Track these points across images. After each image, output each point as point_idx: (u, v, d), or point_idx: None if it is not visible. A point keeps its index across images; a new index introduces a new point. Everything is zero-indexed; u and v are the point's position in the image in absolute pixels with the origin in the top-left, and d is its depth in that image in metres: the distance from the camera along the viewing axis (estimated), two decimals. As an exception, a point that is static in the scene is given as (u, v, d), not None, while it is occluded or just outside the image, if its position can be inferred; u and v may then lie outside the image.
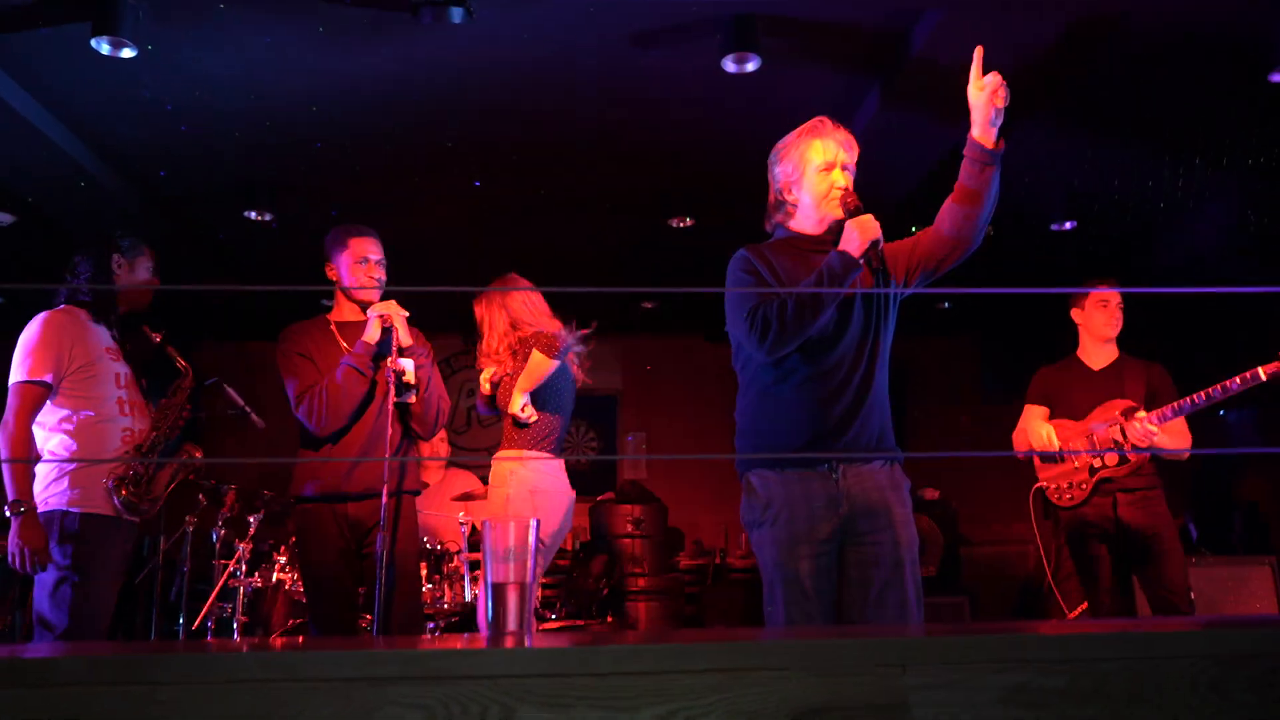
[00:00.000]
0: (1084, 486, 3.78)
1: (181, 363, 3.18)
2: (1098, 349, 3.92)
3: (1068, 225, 5.59)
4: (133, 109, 4.22)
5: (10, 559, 2.73)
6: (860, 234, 2.28)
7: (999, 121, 2.21)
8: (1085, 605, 3.91)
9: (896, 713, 1.07)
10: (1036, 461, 3.93)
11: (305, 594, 3.12)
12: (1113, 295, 3.85)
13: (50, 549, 2.77)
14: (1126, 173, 5.05)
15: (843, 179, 2.40)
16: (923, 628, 1.32)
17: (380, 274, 3.18)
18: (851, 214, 2.33)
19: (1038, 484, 3.95)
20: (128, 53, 3.51)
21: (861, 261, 2.29)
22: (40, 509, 2.81)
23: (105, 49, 3.46)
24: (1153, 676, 1.09)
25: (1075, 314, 3.97)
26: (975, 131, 2.23)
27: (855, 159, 2.45)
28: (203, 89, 4.06)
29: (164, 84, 4.01)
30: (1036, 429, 3.87)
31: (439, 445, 4.98)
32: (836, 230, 2.37)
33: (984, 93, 2.18)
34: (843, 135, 2.43)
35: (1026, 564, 6.29)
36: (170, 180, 5.01)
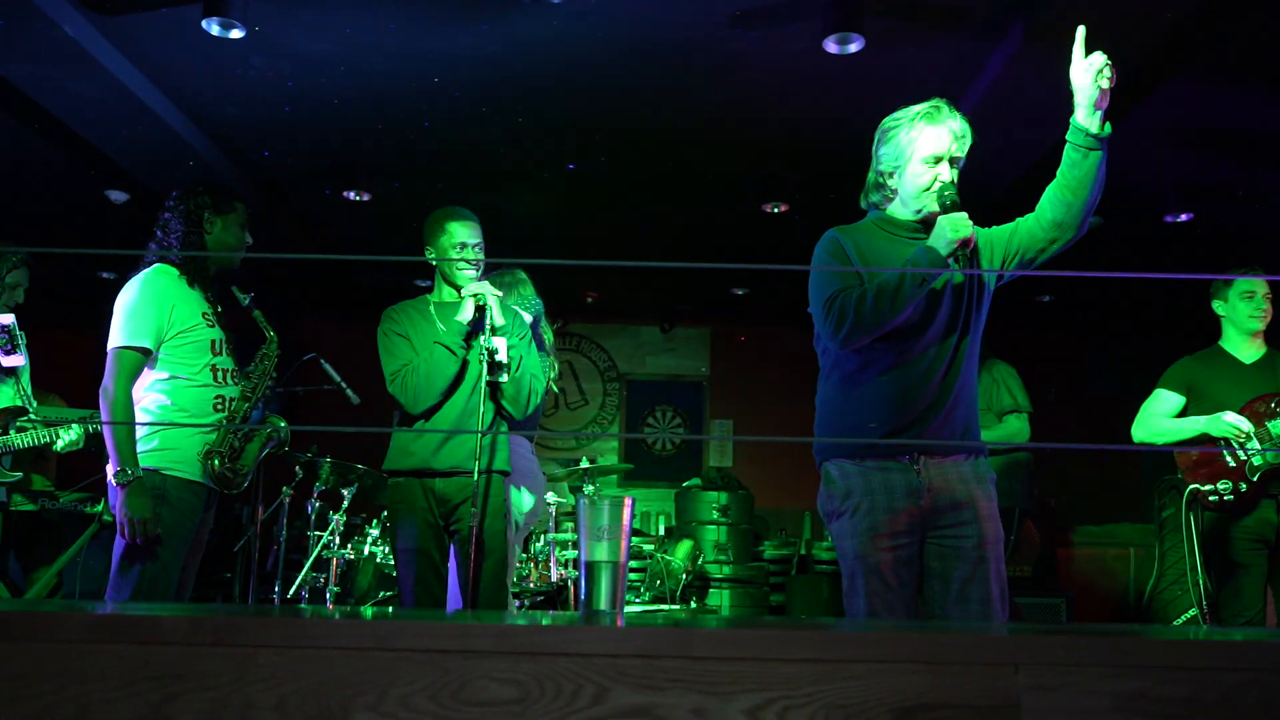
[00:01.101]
0: (1244, 488, 3.46)
1: (268, 330, 3.07)
2: (1245, 342, 3.64)
3: (1183, 217, 5.34)
4: (240, 89, 4.33)
5: (119, 529, 2.67)
6: (951, 232, 2.20)
7: (1105, 104, 2.11)
8: (1193, 612, 3.71)
9: (1006, 714, 1.02)
10: (1183, 459, 3.64)
11: (395, 567, 3.17)
12: (1259, 285, 3.57)
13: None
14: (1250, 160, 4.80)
15: (948, 174, 2.30)
16: (1037, 626, 1.26)
17: (473, 259, 3.20)
18: (946, 209, 2.24)
19: (1190, 484, 3.62)
20: (236, 34, 3.60)
21: (949, 261, 2.20)
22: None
23: (215, 30, 3.55)
24: (1287, 690, 1.02)
25: (1217, 305, 3.68)
26: (1079, 115, 2.14)
27: (967, 149, 2.34)
28: (306, 70, 4.14)
29: (269, 65, 4.11)
30: (1169, 424, 3.59)
31: None
32: (932, 221, 2.29)
33: (1087, 74, 2.08)
34: (958, 124, 2.31)
35: (1128, 567, 6.06)
36: (273, 160, 5.13)
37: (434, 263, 3.24)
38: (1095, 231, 5.51)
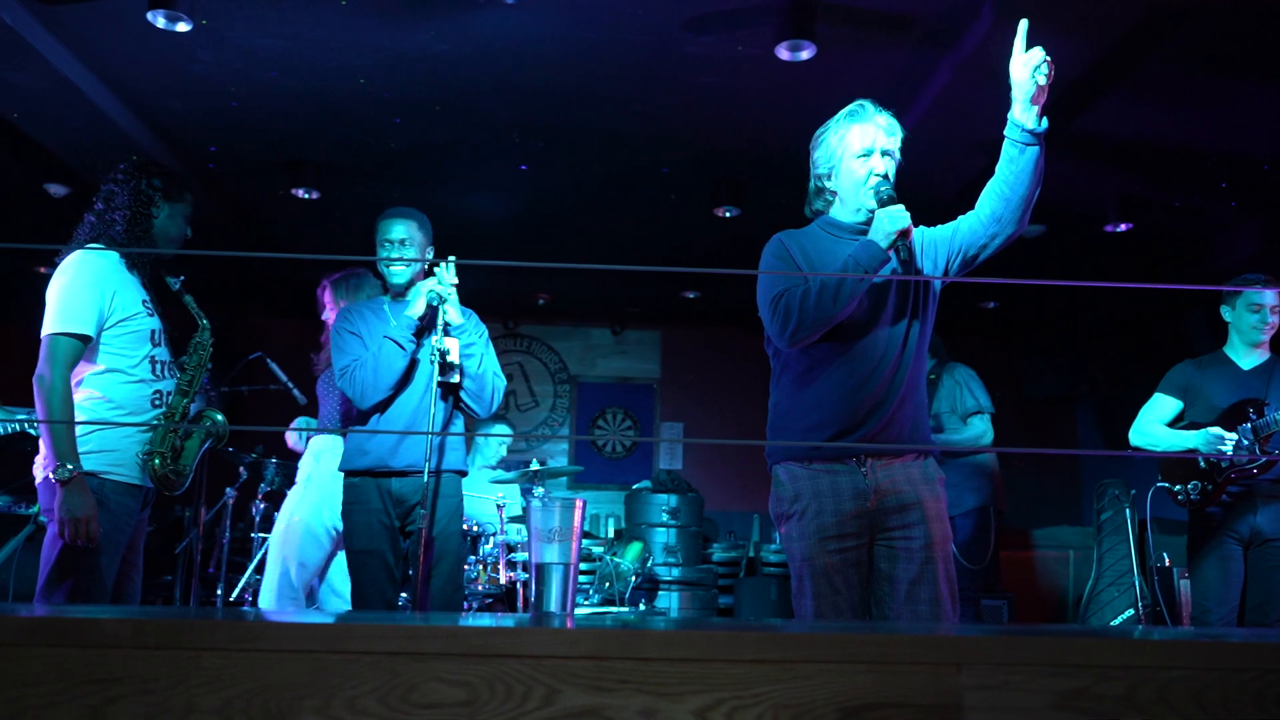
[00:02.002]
0: (1209, 488, 3.54)
1: (201, 318, 2.86)
2: (1247, 350, 3.67)
3: (1123, 226, 5.47)
4: (186, 83, 4.25)
5: (59, 529, 2.47)
6: (888, 224, 2.23)
7: (1041, 100, 2.14)
8: (1129, 612, 3.80)
9: (949, 713, 1.03)
10: (1167, 465, 3.69)
11: (348, 567, 3.14)
12: (1266, 300, 3.59)
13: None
14: (1188, 171, 4.93)
15: (881, 165, 2.33)
16: (979, 626, 1.28)
17: (408, 256, 3.18)
18: (883, 202, 2.27)
19: (1159, 483, 3.69)
20: (183, 26, 3.53)
21: (889, 253, 2.23)
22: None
23: (161, 22, 3.48)
24: (1219, 688, 1.05)
25: (1225, 311, 3.72)
26: (1016, 110, 2.16)
27: (898, 144, 2.38)
28: (254, 65, 4.08)
29: (216, 59, 4.04)
30: (1167, 435, 3.64)
31: None
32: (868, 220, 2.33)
33: (1025, 68, 2.11)
34: (884, 120, 2.36)
35: (1066, 568, 6.19)
36: (220, 156, 5.05)
37: (378, 262, 3.22)
38: (1037, 240, 5.64)
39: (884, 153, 2.34)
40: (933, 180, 4.64)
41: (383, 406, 3.13)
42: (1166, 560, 4.64)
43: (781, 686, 1.03)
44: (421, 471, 3.01)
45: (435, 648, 1.01)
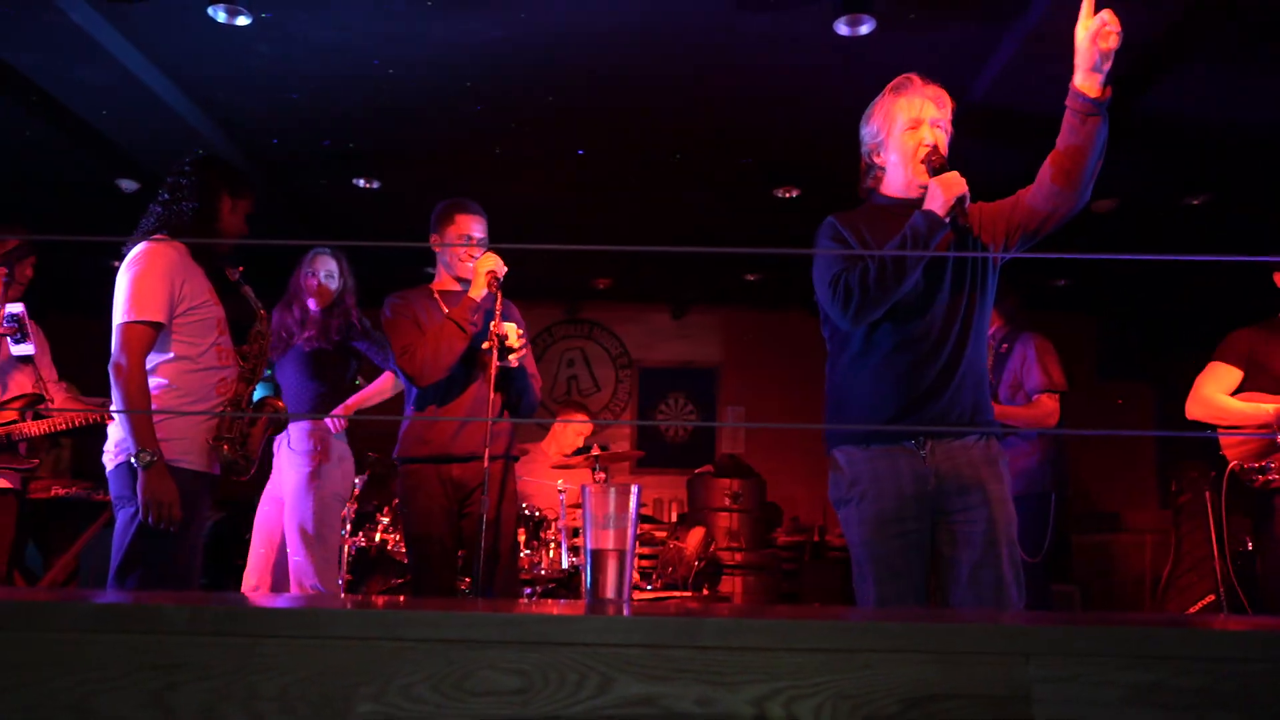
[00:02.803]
0: None
1: (260, 307, 2.92)
2: None
3: (1200, 199, 5.27)
4: (246, 77, 4.32)
5: (143, 513, 2.55)
6: (944, 191, 2.17)
7: (1106, 67, 2.03)
8: (1210, 599, 3.65)
9: (1017, 705, 1.00)
10: (1226, 438, 3.50)
11: (407, 554, 3.18)
12: None
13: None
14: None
15: (931, 135, 2.28)
16: (1049, 616, 1.24)
17: (478, 253, 3.20)
18: (936, 171, 2.21)
19: (1231, 464, 3.49)
20: (242, 20, 3.58)
21: (946, 220, 2.18)
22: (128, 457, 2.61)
23: (221, 17, 3.54)
24: (1307, 681, 1.00)
25: (1278, 277, 3.53)
26: (1077, 78, 2.06)
27: (949, 115, 2.32)
28: (314, 57, 4.13)
29: (276, 52, 4.09)
30: (1236, 405, 3.46)
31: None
32: (918, 194, 2.28)
33: (1089, 33, 2.01)
34: (932, 90, 2.31)
35: (1143, 554, 6.02)
36: (280, 147, 5.12)
37: (438, 250, 3.24)
38: (1110, 213, 5.47)
39: (933, 123, 2.28)
40: (997, 157, 4.52)
41: (442, 397, 3.14)
42: (1249, 545, 4.49)
43: (841, 676, 1.00)
44: (481, 457, 3.02)
45: (489, 635, 1.01)
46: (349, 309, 4.03)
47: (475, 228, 3.22)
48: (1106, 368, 7.56)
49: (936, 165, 2.22)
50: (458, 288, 3.23)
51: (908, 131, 2.29)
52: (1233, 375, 3.54)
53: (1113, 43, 2.00)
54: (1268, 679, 1.00)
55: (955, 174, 2.19)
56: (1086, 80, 2.05)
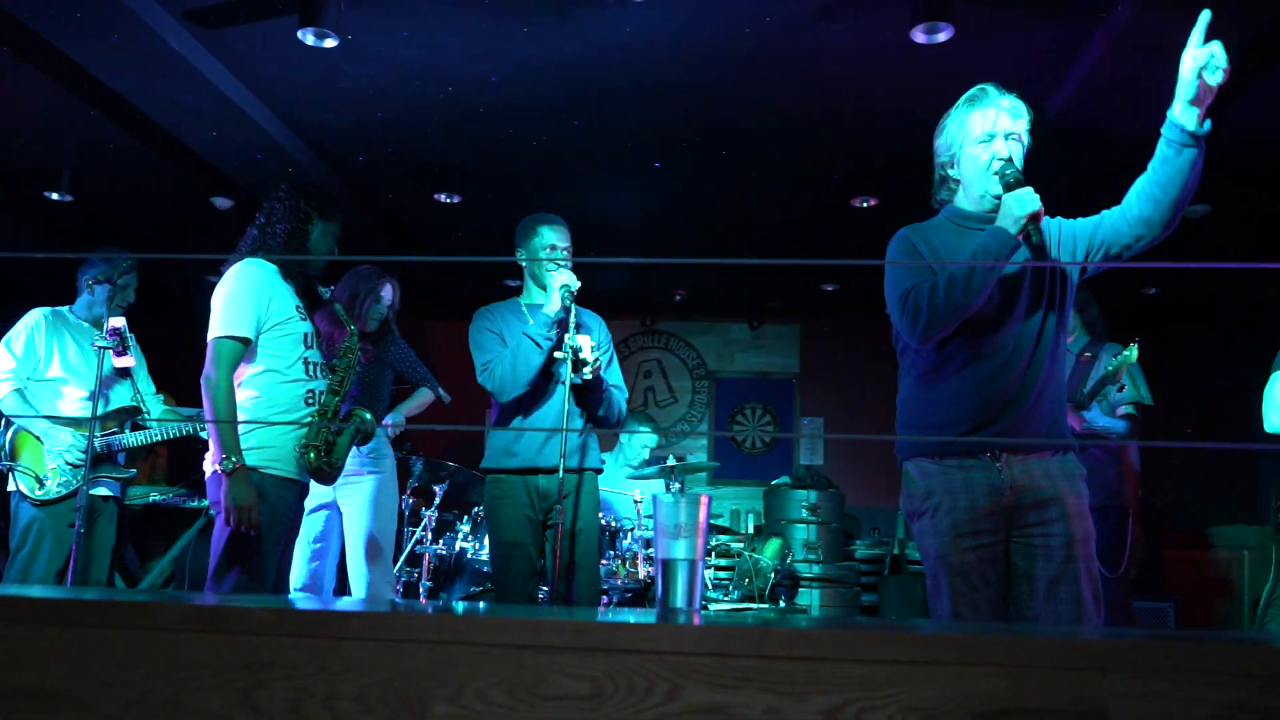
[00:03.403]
0: None
1: (348, 323, 3.08)
2: None
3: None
4: (334, 96, 4.46)
5: (225, 517, 2.69)
6: (1017, 208, 2.13)
7: (1208, 101, 1.97)
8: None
9: (1093, 721, 0.98)
10: None
11: (492, 562, 3.25)
12: None
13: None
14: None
15: (1005, 148, 2.23)
16: (1128, 631, 1.21)
17: (563, 264, 3.27)
18: (1010, 186, 2.17)
19: None
20: (330, 43, 3.70)
21: (1019, 239, 2.13)
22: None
23: (310, 40, 3.66)
24: (1402, 702, 0.96)
25: None
26: (1176, 109, 2.01)
27: (1026, 126, 2.27)
28: (396, 76, 4.24)
29: (362, 72, 4.22)
30: None
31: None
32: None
33: (1194, 64, 1.94)
34: (1008, 102, 2.26)
35: (1242, 571, 5.79)
36: (366, 165, 5.27)
37: (523, 263, 3.32)
38: (1201, 219, 5.29)
39: (1008, 135, 2.24)
40: (1081, 168, 4.41)
41: (526, 409, 3.21)
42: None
43: (911, 688, 1.00)
44: (570, 468, 3.12)
45: (560, 641, 1.03)
46: (394, 329, 4.16)
47: (558, 238, 3.29)
48: (1206, 378, 7.30)
49: (1010, 179, 2.18)
50: (543, 300, 3.28)
51: (981, 144, 2.26)
52: None
53: (1220, 79, 1.94)
54: (1359, 700, 0.96)
55: (1029, 190, 2.15)
56: (1185, 112, 2.00)
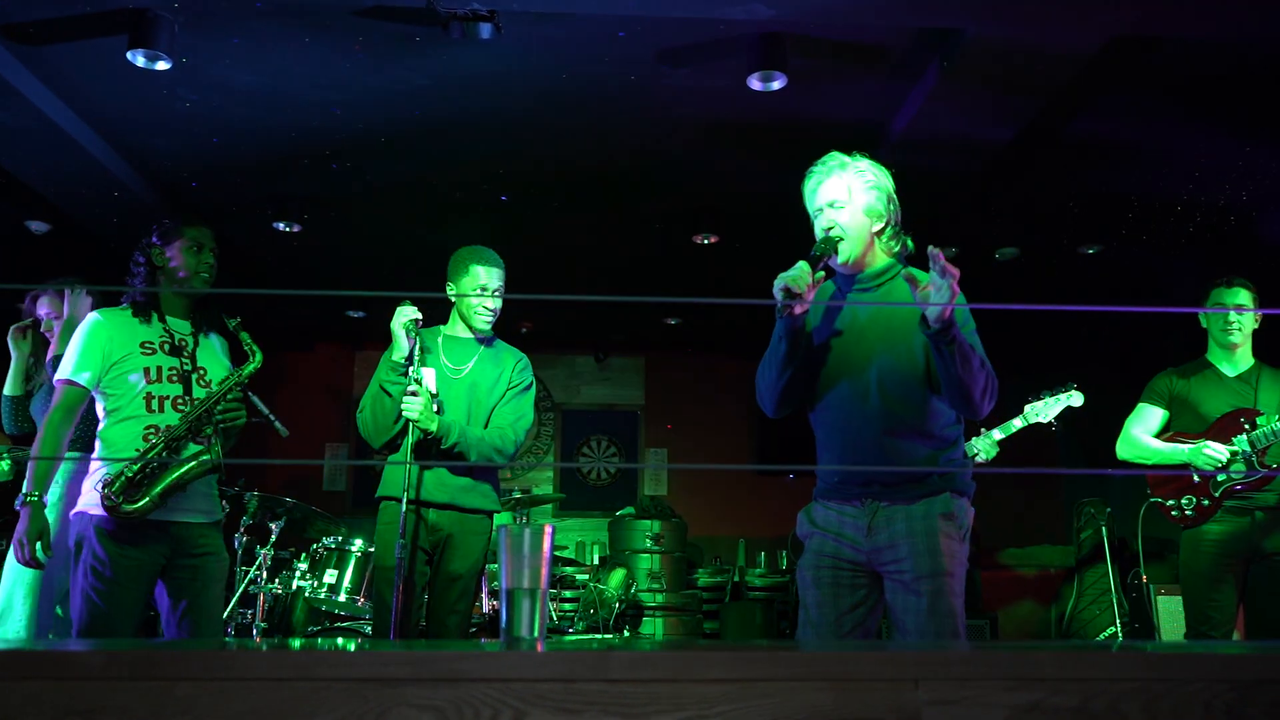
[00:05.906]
0: (1206, 503, 3.50)
1: (254, 349, 2.97)
2: (1225, 355, 3.65)
3: (1093, 249, 5.55)
4: (166, 121, 4.29)
5: (15, 547, 2.68)
6: (776, 282, 2.21)
7: (941, 298, 2.09)
8: (1112, 631, 3.80)
9: (908, 728, 1.06)
10: (1149, 476, 3.65)
11: (374, 591, 3.22)
12: (1227, 301, 3.59)
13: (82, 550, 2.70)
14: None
15: (828, 219, 2.35)
16: (936, 644, 1.31)
17: (491, 304, 3.30)
18: (814, 259, 2.26)
19: (1150, 498, 3.67)
20: (162, 65, 3.57)
21: (786, 315, 2.24)
22: (72, 510, 2.79)
23: (140, 62, 3.52)
24: (1168, 699, 1.09)
25: (1202, 318, 3.71)
26: (925, 320, 2.15)
27: (848, 182, 2.36)
28: (235, 101, 4.12)
29: (197, 96, 4.08)
30: (1156, 446, 3.61)
31: None
32: (860, 268, 2.39)
33: (927, 290, 2.12)
34: (827, 170, 2.38)
35: (1052, 587, 6.22)
36: (201, 191, 5.07)
37: (453, 299, 3.35)
38: (1009, 262, 5.71)
39: (831, 205, 2.35)
40: (904, 206, 4.70)
41: (395, 446, 3.22)
42: (1144, 578, 4.69)
43: (745, 705, 1.05)
44: (452, 506, 3.16)
45: (403, 673, 1.04)
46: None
47: (491, 279, 3.31)
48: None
49: (814, 251, 2.29)
50: (466, 334, 3.33)
51: (816, 218, 2.39)
52: (1157, 415, 3.70)
53: (945, 297, 2.07)
54: (1133, 696, 1.08)
55: (797, 267, 2.21)
56: (933, 321, 2.13)
